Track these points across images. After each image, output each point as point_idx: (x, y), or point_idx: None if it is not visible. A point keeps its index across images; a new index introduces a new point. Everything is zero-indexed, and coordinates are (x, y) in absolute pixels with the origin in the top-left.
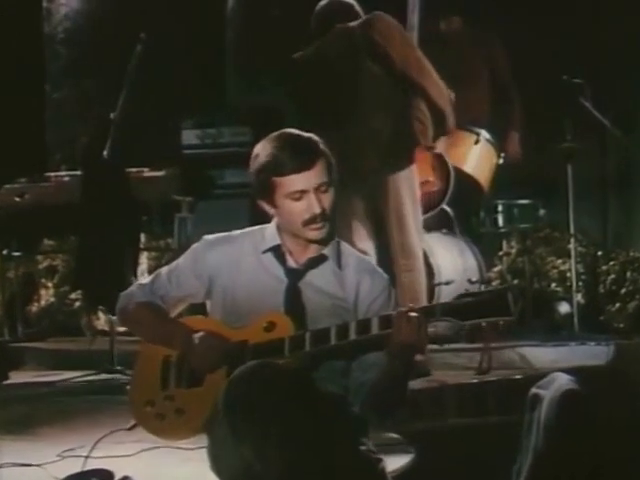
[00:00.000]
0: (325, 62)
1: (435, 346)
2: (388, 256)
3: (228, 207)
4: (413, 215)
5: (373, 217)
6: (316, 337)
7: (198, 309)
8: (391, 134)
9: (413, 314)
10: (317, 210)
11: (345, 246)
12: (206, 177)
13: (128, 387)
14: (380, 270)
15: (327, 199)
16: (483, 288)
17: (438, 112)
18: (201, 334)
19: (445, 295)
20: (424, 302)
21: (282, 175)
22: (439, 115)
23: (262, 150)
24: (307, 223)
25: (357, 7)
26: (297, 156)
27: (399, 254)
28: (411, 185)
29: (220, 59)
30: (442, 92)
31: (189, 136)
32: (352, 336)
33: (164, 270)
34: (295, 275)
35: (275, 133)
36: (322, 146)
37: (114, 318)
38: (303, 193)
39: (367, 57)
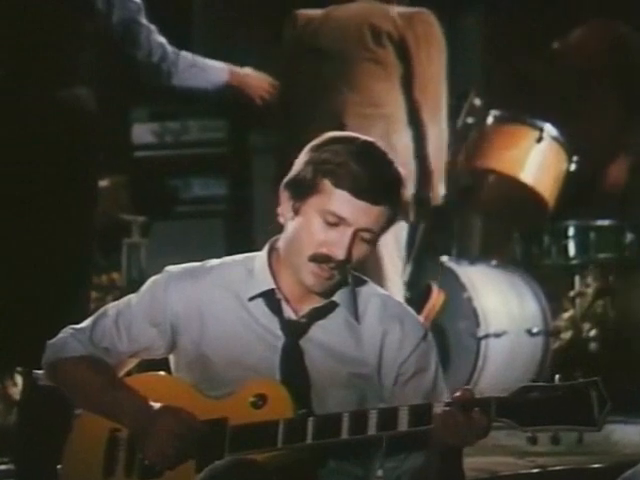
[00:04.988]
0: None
1: None
2: None
3: (195, 230)
4: (392, 259)
5: None
6: (322, 427)
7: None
8: None
9: (459, 413)
10: (340, 255)
11: (364, 286)
12: (165, 188)
13: (59, 468)
14: (414, 314)
15: (360, 250)
16: (549, 342)
17: (426, 172)
18: (162, 412)
19: (495, 352)
20: None
21: (339, 186)
22: (426, 176)
23: (329, 150)
24: (316, 259)
25: None
26: (375, 183)
27: None
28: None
29: (185, 22)
30: (441, 150)
31: (142, 132)
32: (371, 431)
33: (111, 311)
34: (295, 329)
35: (357, 137)
36: (403, 191)
37: (40, 373)
38: (342, 222)
39: (392, 50)
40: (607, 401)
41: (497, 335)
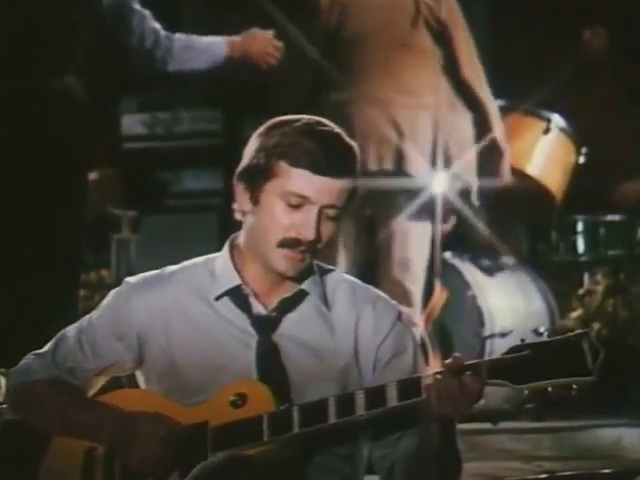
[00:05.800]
0: (367, 19)
1: (486, 425)
2: None
3: (187, 225)
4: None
5: (362, 243)
6: (308, 414)
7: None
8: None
9: (451, 380)
10: (309, 235)
11: (330, 273)
12: (156, 182)
13: None
14: (385, 296)
15: (327, 229)
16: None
17: (494, 146)
18: (139, 420)
19: (500, 351)
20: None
21: (296, 165)
22: (494, 152)
23: (278, 133)
24: (285, 244)
25: None
26: (332, 156)
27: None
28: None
29: (176, 9)
30: (498, 119)
31: (132, 123)
32: (360, 411)
33: (71, 331)
34: (266, 325)
35: (301, 117)
36: (357, 163)
37: (3, 407)
38: (305, 202)
39: (428, 34)
40: (600, 350)
41: (502, 335)
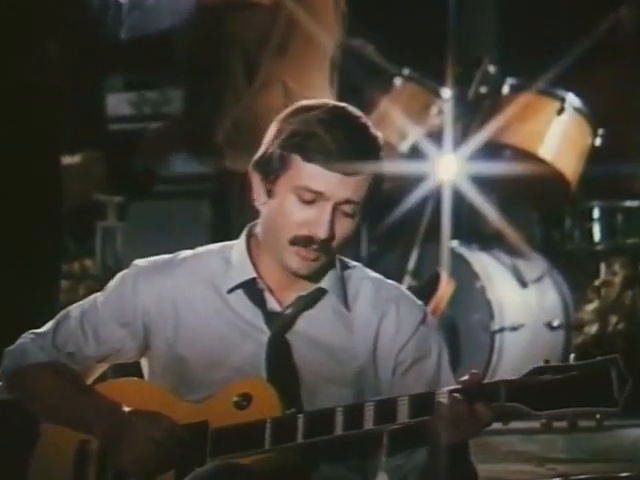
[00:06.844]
0: None
1: (496, 425)
2: None
3: (177, 212)
4: None
5: None
6: (313, 423)
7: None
8: None
9: (460, 405)
10: (322, 234)
11: (353, 270)
12: (144, 165)
13: None
14: (410, 295)
15: (344, 227)
16: (570, 335)
17: None
18: (137, 417)
19: (511, 348)
20: None
21: (308, 159)
22: None
23: (296, 121)
24: (297, 242)
25: None
26: (349, 150)
27: None
28: None
29: None
30: None
31: (118, 102)
32: (368, 425)
33: (74, 312)
34: (280, 322)
35: (326, 103)
36: (380, 155)
37: None
38: (319, 198)
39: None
40: (628, 379)
41: (513, 329)
